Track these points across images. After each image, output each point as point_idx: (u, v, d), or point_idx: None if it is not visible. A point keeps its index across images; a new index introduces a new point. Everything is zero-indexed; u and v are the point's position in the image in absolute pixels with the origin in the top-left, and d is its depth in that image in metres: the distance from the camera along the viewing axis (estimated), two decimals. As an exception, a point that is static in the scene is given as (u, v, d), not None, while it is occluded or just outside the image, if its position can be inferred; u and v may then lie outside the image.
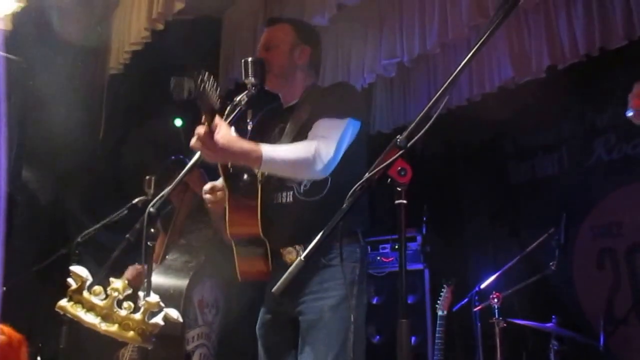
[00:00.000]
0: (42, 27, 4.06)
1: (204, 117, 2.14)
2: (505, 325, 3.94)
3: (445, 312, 4.28)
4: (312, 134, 2.45)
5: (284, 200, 2.55)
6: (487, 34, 1.54)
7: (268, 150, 2.31)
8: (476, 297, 4.22)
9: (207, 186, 2.69)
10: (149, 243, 2.20)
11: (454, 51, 4.55)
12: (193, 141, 2.21)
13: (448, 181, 5.43)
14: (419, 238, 4.97)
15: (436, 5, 4.10)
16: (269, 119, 2.75)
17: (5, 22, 3.44)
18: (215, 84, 2.09)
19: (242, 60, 2.57)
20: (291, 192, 2.53)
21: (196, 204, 3.61)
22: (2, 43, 3.41)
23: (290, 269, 1.53)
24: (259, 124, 2.78)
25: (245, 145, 2.28)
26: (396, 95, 5.23)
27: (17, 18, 3.57)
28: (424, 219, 4.98)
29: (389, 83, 5.16)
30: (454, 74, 1.56)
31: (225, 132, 2.20)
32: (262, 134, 2.68)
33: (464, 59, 1.61)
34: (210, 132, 2.15)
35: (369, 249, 4.95)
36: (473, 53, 1.55)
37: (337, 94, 2.61)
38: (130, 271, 3.66)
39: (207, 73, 2.03)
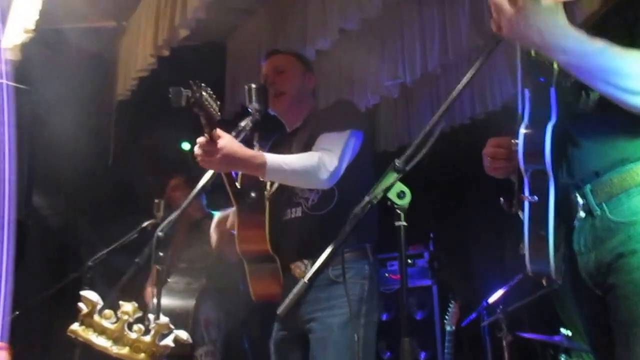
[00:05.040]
0: (50, 56, 4.14)
1: (204, 127, 2.18)
2: (513, 339, 3.95)
3: (453, 328, 4.30)
4: (315, 147, 2.51)
5: (292, 216, 2.60)
6: (470, 73, 1.61)
7: (272, 157, 2.36)
8: (484, 312, 4.24)
9: (220, 214, 2.79)
10: (157, 267, 2.25)
11: (455, 70, 4.60)
12: (196, 150, 2.25)
13: (454, 196, 5.45)
14: (426, 254, 5.00)
15: (436, 27, 4.16)
16: (278, 146, 2.81)
17: (14, 52, 3.51)
18: (213, 95, 2.15)
19: (246, 87, 2.63)
20: (299, 208, 2.59)
21: (191, 224, 3.68)
22: (11, 73, 3.49)
23: (295, 290, 1.54)
24: (271, 150, 2.85)
25: (249, 151, 2.32)
26: (400, 115, 5.29)
27: (26, 48, 3.64)
28: (431, 235, 5.01)
29: (393, 103, 5.21)
30: (443, 107, 1.62)
31: (228, 140, 2.24)
32: None
33: (464, 79, 1.65)
34: (212, 139, 2.20)
35: (377, 266, 4.99)
36: (457, 90, 1.62)
37: (336, 110, 2.72)
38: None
39: (203, 84, 2.10)
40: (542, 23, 1.41)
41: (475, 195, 5.41)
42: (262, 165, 2.31)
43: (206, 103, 2.07)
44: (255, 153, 2.35)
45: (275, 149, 2.80)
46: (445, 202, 5.24)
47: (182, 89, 2.03)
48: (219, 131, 2.22)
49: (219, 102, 2.16)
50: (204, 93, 2.04)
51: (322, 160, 2.40)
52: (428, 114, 5.04)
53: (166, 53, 4.18)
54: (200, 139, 2.23)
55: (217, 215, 2.91)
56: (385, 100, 4.97)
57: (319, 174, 2.39)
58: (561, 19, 1.43)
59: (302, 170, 2.39)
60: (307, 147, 2.56)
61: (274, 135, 2.94)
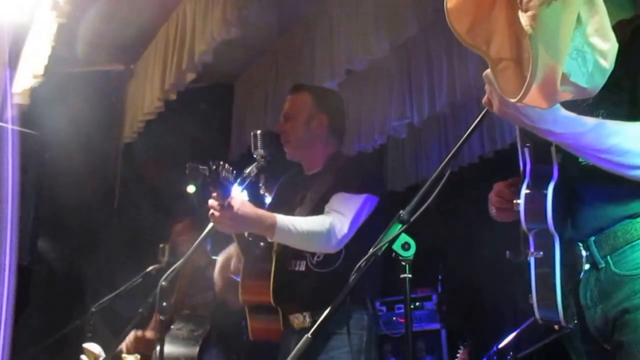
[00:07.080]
0: (58, 100, 4.17)
1: (218, 198, 2.21)
2: (524, 386, 3.86)
3: (463, 374, 4.21)
4: (328, 207, 2.50)
5: (296, 268, 2.57)
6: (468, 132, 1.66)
7: (283, 218, 2.36)
8: (495, 357, 4.15)
9: (223, 257, 2.76)
10: (161, 317, 2.22)
11: (464, 110, 4.59)
12: (211, 212, 2.26)
13: (463, 238, 5.40)
14: (434, 297, 4.92)
15: (444, 66, 4.15)
16: (292, 185, 2.81)
17: (23, 97, 3.54)
18: (230, 168, 2.16)
19: (251, 133, 2.63)
20: (304, 262, 2.56)
21: (195, 270, 3.66)
22: (19, 118, 3.52)
23: (298, 346, 1.54)
24: (280, 189, 2.84)
25: (260, 211, 2.34)
26: (408, 155, 5.27)
27: (34, 92, 3.68)
28: (440, 277, 4.94)
29: (401, 143, 5.20)
30: (445, 161, 1.62)
31: (240, 202, 2.27)
32: (284, 200, 2.74)
33: (473, 119, 1.68)
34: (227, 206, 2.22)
35: (385, 309, 4.92)
36: (459, 146, 1.64)
37: (357, 169, 2.68)
38: (130, 337, 3.67)
39: (221, 162, 2.10)
40: (529, 108, 1.38)
41: (484, 236, 5.36)
42: (272, 226, 2.32)
43: (222, 180, 2.07)
44: (266, 213, 2.36)
45: (285, 192, 2.79)
46: (453, 244, 5.18)
47: (200, 166, 2.05)
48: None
49: (234, 172, 2.17)
50: (220, 171, 2.06)
51: (332, 226, 2.39)
52: (436, 154, 5.02)
53: (173, 96, 4.21)
54: (212, 202, 2.23)
55: (220, 257, 2.88)
56: (393, 140, 4.96)
57: (328, 240, 2.40)
58: None
59: (311, 235, 2.38)
60: (323, 199, 2.54)
61: (281, 178, 2.91)
